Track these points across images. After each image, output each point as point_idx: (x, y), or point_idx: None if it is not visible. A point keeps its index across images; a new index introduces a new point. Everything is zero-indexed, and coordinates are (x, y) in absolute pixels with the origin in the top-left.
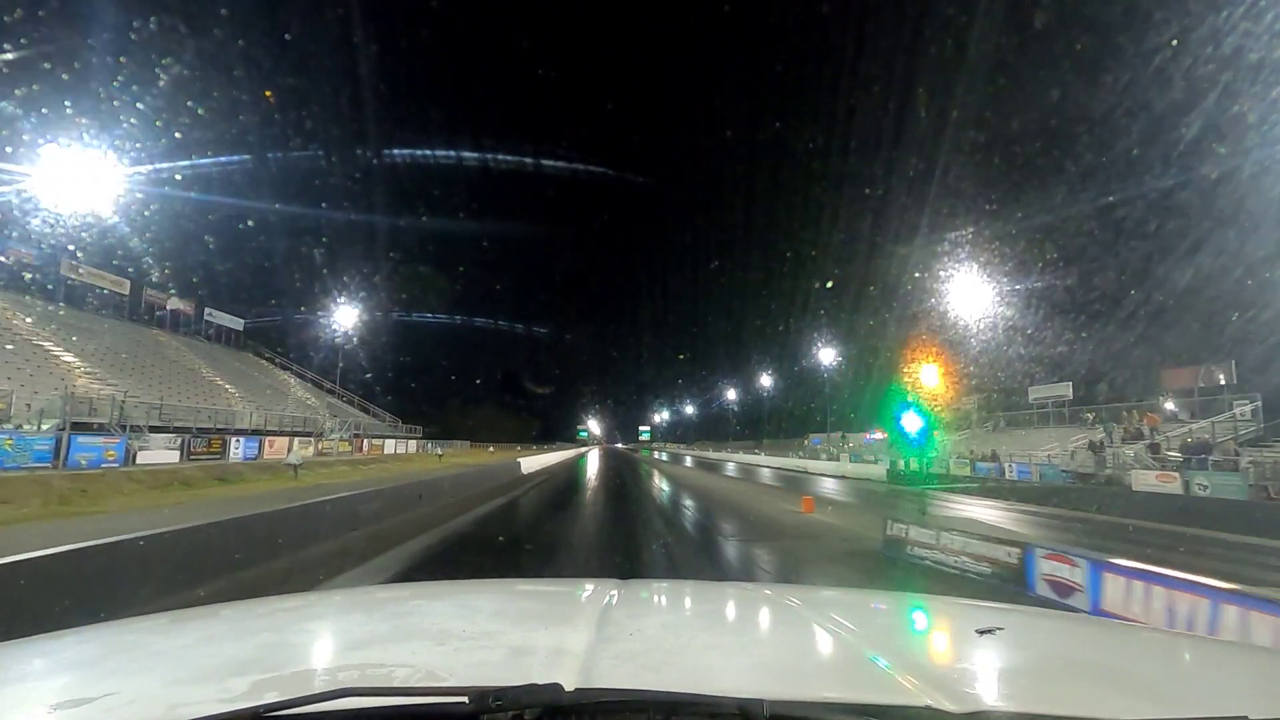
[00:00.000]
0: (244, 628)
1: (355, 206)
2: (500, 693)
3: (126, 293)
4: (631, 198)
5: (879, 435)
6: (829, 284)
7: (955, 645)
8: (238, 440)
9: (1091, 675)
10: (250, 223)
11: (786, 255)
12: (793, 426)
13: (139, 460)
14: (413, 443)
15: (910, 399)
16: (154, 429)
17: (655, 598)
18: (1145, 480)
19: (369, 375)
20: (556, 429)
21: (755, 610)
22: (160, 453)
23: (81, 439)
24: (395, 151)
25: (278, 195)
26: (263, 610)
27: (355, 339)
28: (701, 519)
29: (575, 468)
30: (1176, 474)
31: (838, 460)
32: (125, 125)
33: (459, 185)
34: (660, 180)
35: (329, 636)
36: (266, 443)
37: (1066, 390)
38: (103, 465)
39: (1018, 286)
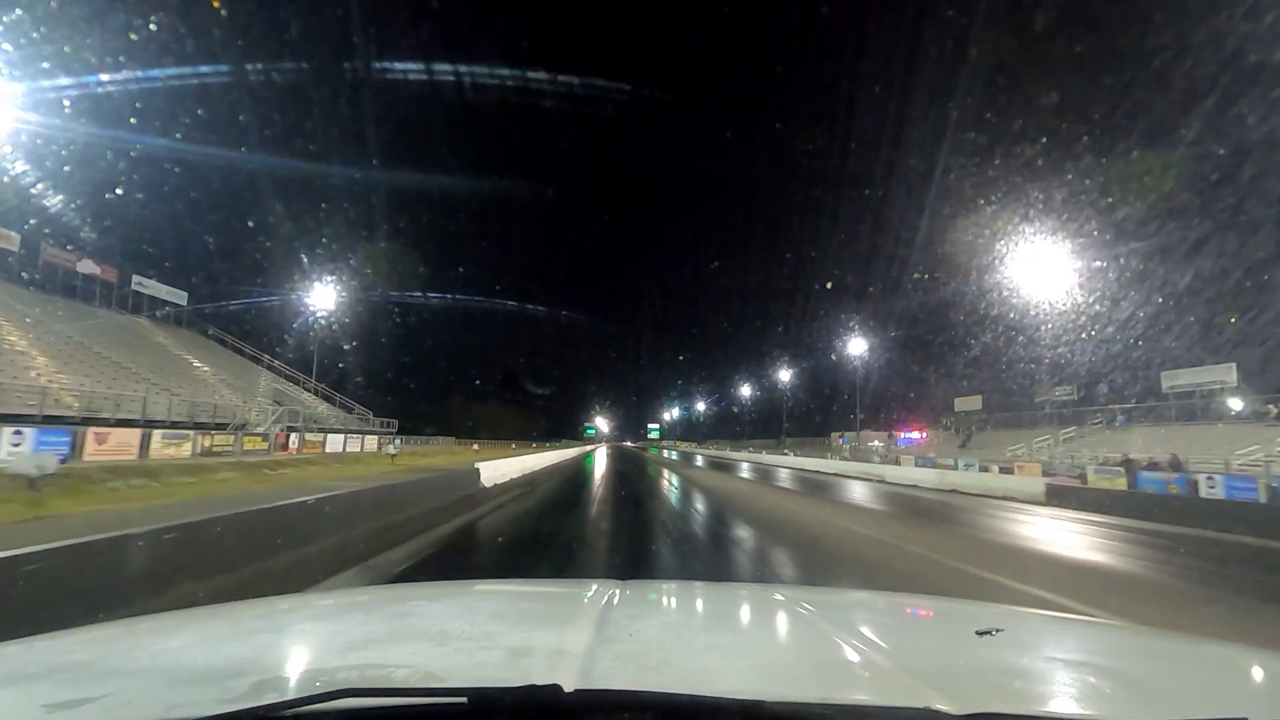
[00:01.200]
0: (243, 628)
1: (336, 158)
2: (499, 693)
3: (16, 248)
4: (643, 170)
5: (917, 433)
6: (863, 258)
7: (955, 646)
8: (18, 433)
9: (1092, 676)
10: (197, 172)
11: (813, 237)
12: (815, 424)
13: None
14: (372, 439)
15: None
16: None
17: (656, 598)
18: None
19: (350, 366)
20: (563, 426)
21: (756, 611)
22: None
23: None
24: (386, 66)
25: (233, 137)
26: (261, 611)
27: (337, 326)
28: None
29: (573, 475)
30: None
31: (897, 465)
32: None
33: (461, 136)
34: (674, 152)
35: (328, 637)
36: (90, 437)
37: (1228, 375)
38: None
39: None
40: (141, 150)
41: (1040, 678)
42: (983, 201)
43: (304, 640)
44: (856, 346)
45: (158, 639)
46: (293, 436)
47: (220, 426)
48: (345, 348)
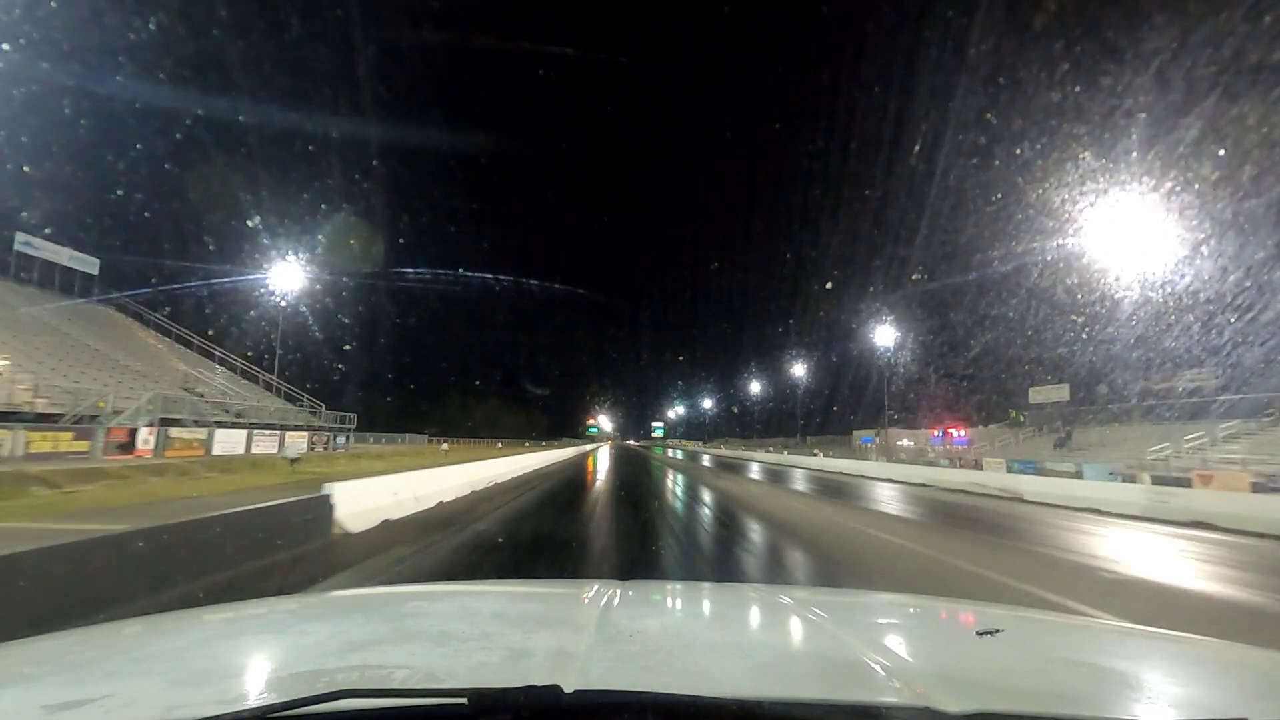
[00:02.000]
0: (242, 628)
1: (306, 98)
2: (499, 694)
3: None
4: (648, 161)
5: (956, 430)
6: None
7: (956, 646)
8: None
9: (1092, 676)
10: (121, 111)
11: (815, 228)
12: (818, 424)
13: None
14: (299, 437)
15: None
16: None
17: (656, 599)
18: None
19: (332, 359)
20: (565, 425)
21: (756, 612)
22: None
23: None
24: None
25: (170, 67)
26: (261, 611)
27: (309, 312)
28: None
29: (553, 493)
30: None
31: (978, 469)
32: None
33: (459, 112)
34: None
35: (328, 638)
36: None
37: None
38: None
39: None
40: (45, 77)
41: (1040, 678)
42: (1072, 136)
43: (303, 641)
44: (884, 336)
45: (158, 639)
46: (144, 433)
47: (51, 417)
48: (319, 336)
